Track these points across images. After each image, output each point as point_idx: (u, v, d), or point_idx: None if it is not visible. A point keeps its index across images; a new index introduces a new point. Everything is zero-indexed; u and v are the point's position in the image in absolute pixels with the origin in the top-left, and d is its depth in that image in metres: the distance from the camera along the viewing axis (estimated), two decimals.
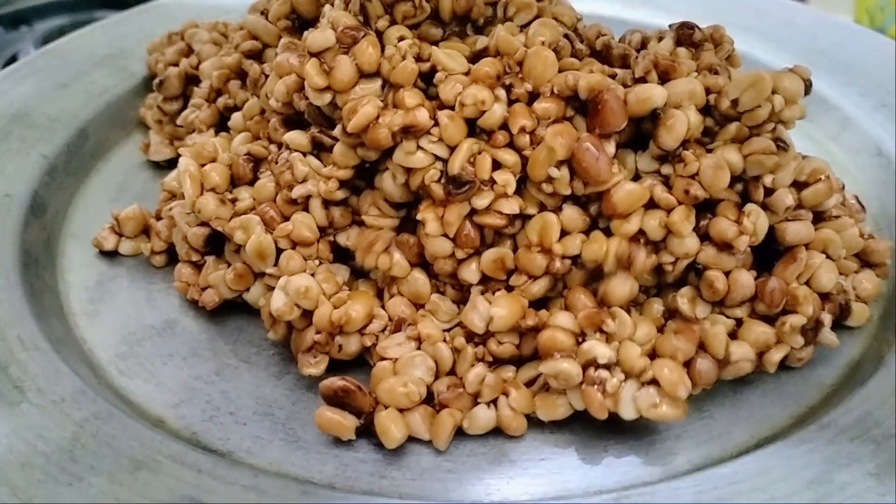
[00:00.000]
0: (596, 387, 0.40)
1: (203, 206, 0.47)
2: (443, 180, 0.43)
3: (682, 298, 0.44)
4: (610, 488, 0.39)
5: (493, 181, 0.42)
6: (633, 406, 0.40)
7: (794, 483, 0.36)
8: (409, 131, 0.43)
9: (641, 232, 0.42)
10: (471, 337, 0.43)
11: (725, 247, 0.42)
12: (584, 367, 0.40)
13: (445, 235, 0.43)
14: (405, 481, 0.40)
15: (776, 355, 0.43)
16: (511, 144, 0.43)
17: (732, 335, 0.43)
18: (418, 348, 0.43)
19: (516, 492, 0.39)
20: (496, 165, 0.43)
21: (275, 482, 0.37)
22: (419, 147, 0.43)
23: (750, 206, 0.43)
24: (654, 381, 0.40)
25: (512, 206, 0.43)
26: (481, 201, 0.42)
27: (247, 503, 0.36)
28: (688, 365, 0.41)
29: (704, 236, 0.43)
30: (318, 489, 0.38)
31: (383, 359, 0.43)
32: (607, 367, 0.40)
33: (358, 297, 0.44)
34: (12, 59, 0.80)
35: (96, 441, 0.38)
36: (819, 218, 0.46)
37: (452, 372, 0.43)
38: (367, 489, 0.39)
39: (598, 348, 0.40)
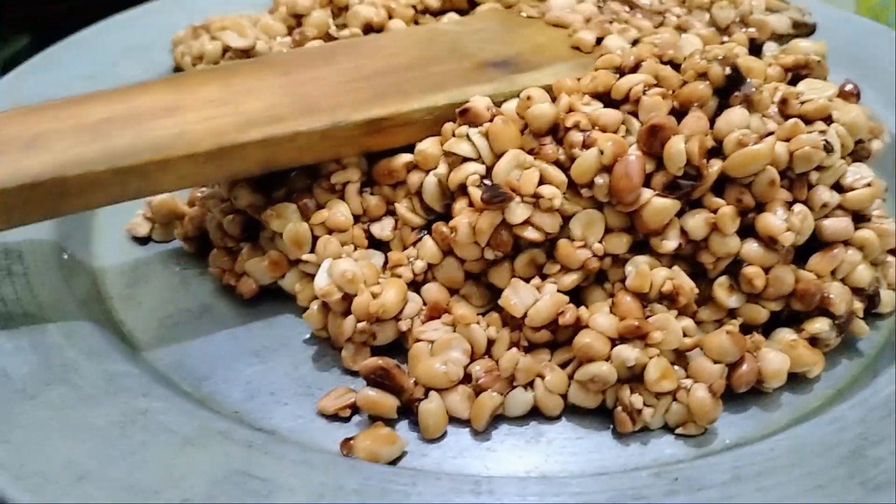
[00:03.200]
0: (628, 412, 0.41)
1: (239, 194, 0.47)
2: (482, 185, 0.44)
3: (720, 288, 0.44)
4: (646, 465, 0.40)
5: (537, 196, 0.43)
6: (661, 422, 0.42)
7: (829, 458, 0.37)
8: (465, 113, 0.44)
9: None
10: (506, 321, 0.44)
11: (770, 242, 0.43)
12: (618, 374, 0.41)
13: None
14: (446, 459, 0.41)
15: (815, 371, 0.44)
16: (560, 141, 0.44)
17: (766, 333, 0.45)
18: (454, 331, 0.44)
19: (555, 469, 0.40)
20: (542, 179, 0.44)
21: (323, 457, 0.38)
22: (469, 137, 0.44)
23: (798, 206, 0.44)
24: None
25: (553, 224, 0.43)
26: (517, 216, 0.43)
27: (298, 478, 0.36)
28: (731, 367, 0.42)
29: (747, 230, 0.44)
30: (364, 464, 0.39)
31: (419, 341, 0.44)
32: (638, 388, 0.41)
33: (390, 284, 0.44)
34: None
35: (146, 418, 0.39)
36: (860, 219, 0.47)
37: (489, 355, 0.44)
38: (408, 467, 0.40)
39: (626, 352, 0.41)
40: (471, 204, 0.44)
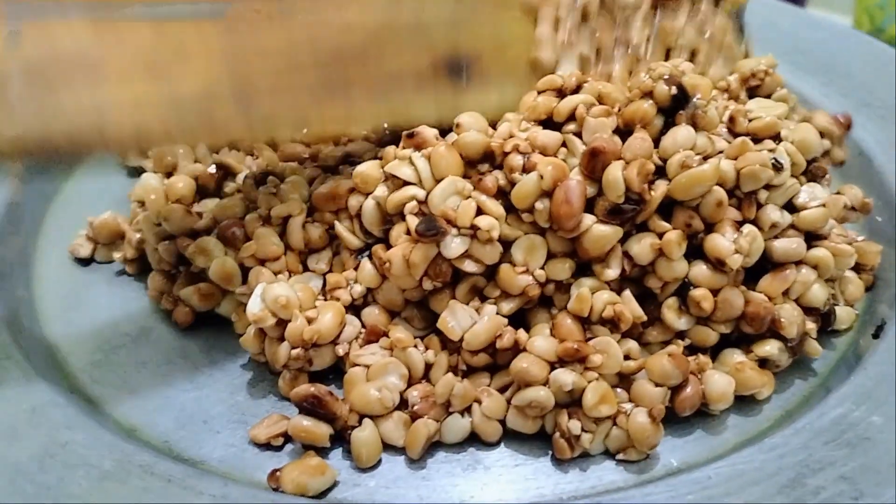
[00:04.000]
0: (566, 438, 0.40)
1: (169, 216, 0.46)
2: (419, 213, 0.42)
3: (668, 310, 0.43)
4: (584, 493, 0.39)
5: (475, 227, 0.41)
6: (601, 448, 0.41)
7: (768, 487, 0.36)
8: (412, 137, 0.43)
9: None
10: (445, 344, 0.43)
11: (718, 264, 0.42)
12: (556, 398, 0.40)
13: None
14: (378, 489, 0.39)
15: (765, 393, 0.43)
16: (500, 166, 0.43)
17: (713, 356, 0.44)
18: (391, 356, 0.43)
19: (490, 497, 0.39)
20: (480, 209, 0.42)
21: (244, 492, 0.37)
22: (411, 161, 0.43)
23: (747, 227, 0.43)
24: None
25: (493, 255, 0.42)
26: (452, 251, 0.42)
27: None
28: (675, 390, 0.41)
29: (694, 252, 0.43)
30: (288, 498, 0.38)
31: (356, 365, 0.42)
32: (577, 413, 0.40)
33: (327, 308, 0.43)
34: None
35: (66, 451, 0.38)
36: (816, 238, 0.46)
37: (427, 379, 0.43)
38: (340, 498, 0.39)
39: (563, 377, 0.40)
40: (409, 231, 0.42)
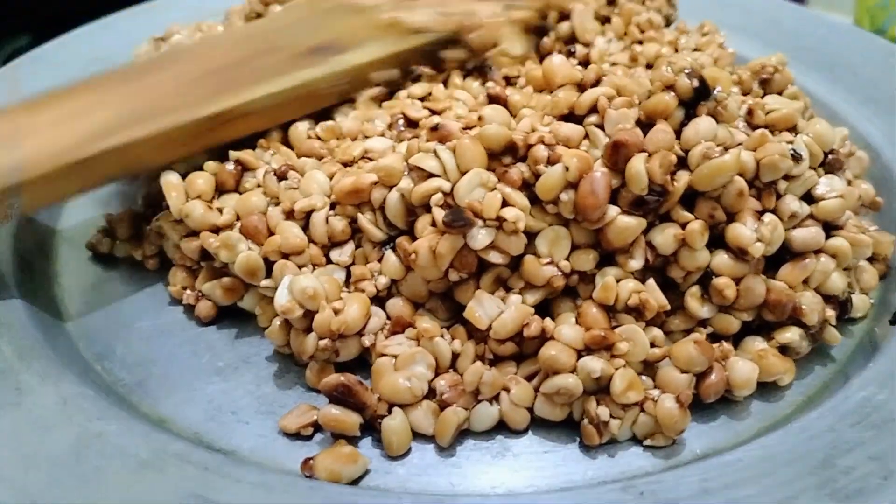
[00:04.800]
0: (594, 424, 0.40)
1: (190, 213, 0.47)
2: (445, 205, 0.43)
3: (692, 298, 0.44)
4: (614, 478, 0.39)
5: (500, 219, 0.42)
6: (629, 434, 0.41)
7: (799, 468, 0.37)
8: (436, 129, 0.44)
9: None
10: (471, 334, 0.43)
11: (740, 253, 0.43)
12: (584, 386, 0.41)
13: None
14: (410, 476, 0.40)
15: (786, 379, 0.44)
16: (524, 158, 0.44)
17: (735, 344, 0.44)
18: (417, 346, 0.43)
19: (521, 484, 0.39)
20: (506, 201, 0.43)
21: (281, 479, 0.37)
22: (436, 153, 0.43)
23: (768, 216, 0.43)
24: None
25: (518, 246, 0.43)
26: (478, 242, 0.42)
27: (255, 501, 0.36)
28: (700, 377, 0.42)
29: (717, 240, 0.43)
30: (324, 485, 0.38)
31: (383, 356, 0.43)
32: (605, 400, 0.41)
33: (353, 299, 0.43)
34: None
35: (101, 441, 0.38)
36: (834, 228, 0.46)
37: (454, 368, 0.43)
38: (373, 486, 0.39)
39: (592, 363, 0.40)
40: (434, 223, 0.43)
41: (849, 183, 0.51)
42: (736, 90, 0.50)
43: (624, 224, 0.42)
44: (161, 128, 0.47)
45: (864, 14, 0.90)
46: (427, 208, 0.43)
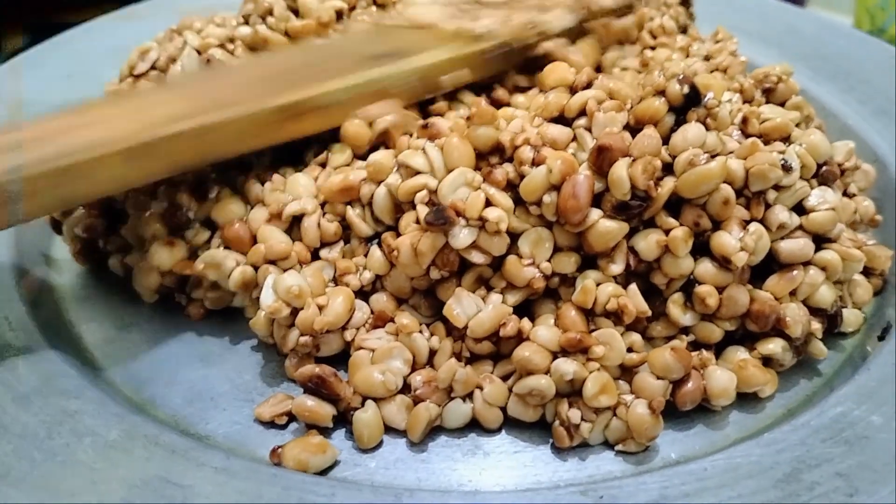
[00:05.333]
0: (565, 427, 0.41)
1: (158, 259, 0.46)
2: (430, 202, 0.43)
3: (674, 305, 0.43)
4: (581, 482, 0.39)
5: (483, 219, 0.42)
6: (601, 438, 0.41)
7: (763, 481, 0.37)
8: (427, 127, 0.44)
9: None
10: (451, 331, 0.43)
11: (724, 261, 0.42)
12: (557, 388, 0.41)
13: None
14: (378, 470, 0.40)
15: (767, 391, 0.44)
16: (510, 160, 0.44)
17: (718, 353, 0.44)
18: (396, 340, 0.43)
19: (488, 483, 0.40)
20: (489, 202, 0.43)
21: (245, 464, 0.38)
22: (425, 150, 0.44)
23: (753, 225, 0.43)
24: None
25: (500, 246, 0.43)
26: (460, 241, 0.42)
27: (216, 485, 0.36)
28: (676, 384, 0.41)
29: (700, 249, 0.43)
30: (288, 473, 0.38)
31: (361, 349, 0.43)
32: (577, 403, 0.41)
33: (337, 293, 0.44)
34: None
35: (74, 420, 0.39)
36: (824, 240, 0.45)
37: (431, 365, 0.43)
38: (340, 477, 0.40)
39: (564, 366, 0.40)
40: (418, 220, 0.43)
41: (851, 196, 0.51)
42: (736, 97, 0.49)
43: (605, 228, 0.42)
44: (231, 115, 0.45)
45: (863, 14, 0.89)
46: (413, 205, 0.44)
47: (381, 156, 0.46)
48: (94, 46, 0.68)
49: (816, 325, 0.44)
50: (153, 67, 0.58)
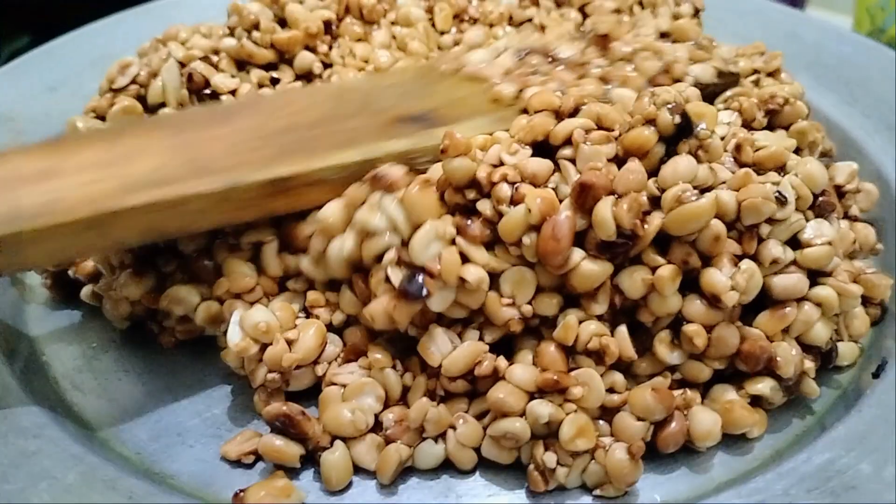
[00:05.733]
0: (540, 471, 0.39)
1: (126, 290, 0.45)
2: (400, 264, 0.41)
3: (660, 344, 0.42)
4: None
5: (462, 280, 0.40)
6: (578, 482, 0.40)
7: None
8: (377, 181, 0.42)
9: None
10: (424, 367, 0.42)
11: (713, 300, 0.40)
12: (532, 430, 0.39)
13: None
14: None
15: (756, 432, 0.42)
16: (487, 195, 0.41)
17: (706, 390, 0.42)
18: (369, 375, 0.42)
19: None
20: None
21: None
22: (381, 206, 0.41)
23: (745, 263, 0.41)
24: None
25: (479, 299, 0.40)
26: (438, 306, 0.40)
27: None
28: (659, 425, 0.40)
29: (689, 284, 0.41)
30: None
31: (332, 384, 0.42)
32: (553, 446, 0.39)
33: (308, 326, 0.42)
34: None
35: (30, 462, 0.38)
36: (819, 274, 0.43)
37: (405, 401, 0.42)
38: None
39: (539, 408, 0.39)
40: (387, 279, 0.41)
41: (852, 219, 0.49)
42: (735, 117, 0.48)
43: (588, 270, 0.40)
44: (215, 187, 0.40)
45: (863, 14, 0.87)
46: (378, 259, 0.42)
47: (331, 212, 0.43)
48: (77, 57, 0.66)
49: (809, 364, 0.43)
50: (133, 82, 0.56)
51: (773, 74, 0.55)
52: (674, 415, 0.40)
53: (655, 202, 0.41)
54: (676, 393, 0.41)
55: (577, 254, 0.40)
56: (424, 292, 0.39)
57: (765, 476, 0.38)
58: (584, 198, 0.40)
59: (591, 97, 0.45)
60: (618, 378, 0.41)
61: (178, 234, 0.43)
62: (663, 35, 0.55)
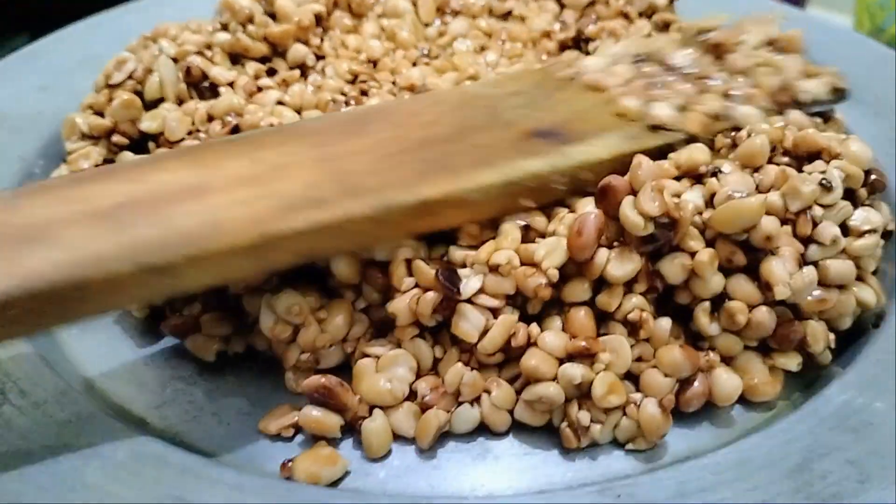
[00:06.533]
0: (573, 429, 0.40)
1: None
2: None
3: (702, 314, 0.42)
4: (594, 481, 0.39)
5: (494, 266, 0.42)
6: (610, 437, 0.41)
7: (775, 472, 0.37)
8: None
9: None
10: (455, 339, 0.43)
11: (766, 286, 0.41)
12: (565, 393, 0.40)
13: None
14: (389, 478, 0.40)
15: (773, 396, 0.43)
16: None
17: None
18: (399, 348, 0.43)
19: (501, 486, 0.40)
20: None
21: (258, 481, 0.37)
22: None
23: (809, 269, 0.42)
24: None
25: (511, 286, 0.42)
26: (466, 291, 0.41)
27: (232, 502, 0.36)
28: (682, 383, 0.41)
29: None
30: (302, 487, 0.38)
31: (365, 356, 0.43)
32: (586, 404, 0.41)
33: (337, 308, 0.44)
34: None
35: (79, 442, 0.38)
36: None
37: (436, 371, 0.43)
38: (351, 487, 0.39)
39: (572, 370, 0.40)
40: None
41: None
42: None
43: (618, 269, 0.42)
44: (362, 212, 0.40)
45: (863, 13, 0.89)
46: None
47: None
48: (66, 57, 0.66)
49: (832, 337, 0.44)
50: (130, 77, 0.57)
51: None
52: (697, 375, 0.42)
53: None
54: (700, 354, 0.42)
55: (602, 255, 0.41)
56: (458, 288, 0.41)
57: (787, 419, 0.40)
58: (607, 203, 0.42)
59: None
60: (646, 348, 0.42)
61: (330, 256, 0.43)
62: (769, 44, 0.54)
